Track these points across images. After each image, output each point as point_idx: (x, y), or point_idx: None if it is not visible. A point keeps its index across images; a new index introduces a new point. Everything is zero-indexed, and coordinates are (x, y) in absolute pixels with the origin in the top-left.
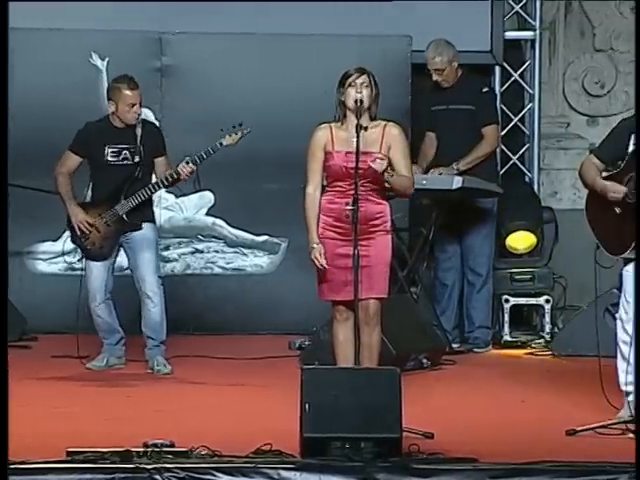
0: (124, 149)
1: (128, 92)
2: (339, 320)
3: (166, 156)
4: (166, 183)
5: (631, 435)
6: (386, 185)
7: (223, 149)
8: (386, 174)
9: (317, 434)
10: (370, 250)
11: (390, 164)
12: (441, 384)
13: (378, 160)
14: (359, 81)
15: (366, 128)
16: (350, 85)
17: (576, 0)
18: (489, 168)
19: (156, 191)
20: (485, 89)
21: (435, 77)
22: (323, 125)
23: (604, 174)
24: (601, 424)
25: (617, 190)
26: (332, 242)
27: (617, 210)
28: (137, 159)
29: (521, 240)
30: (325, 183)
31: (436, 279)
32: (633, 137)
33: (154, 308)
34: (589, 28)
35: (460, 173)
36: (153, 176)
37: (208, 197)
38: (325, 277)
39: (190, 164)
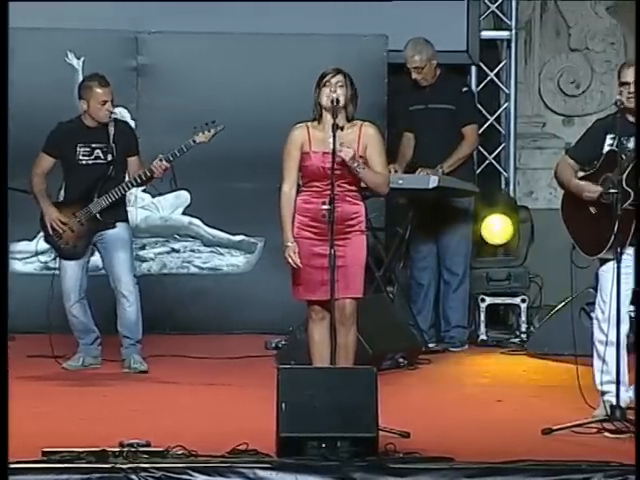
0: (96, 148)
1: (99, 90)
2: (315, 320)
3: (139, 155)
4: (139, 181)
5: (607, 434)
6: (360, 181)
7: (199, 148)
8: (356, 165)
9: (293, 434)
10: (346, 250)
11: (365, 162)
12: (417, 383)
13: (345, 149)
14: (334, 80)
15: (342, 128)
16: (325, 84)
17: (552, 0)
18: (466, 168)
19: (129, 189)
20: (465, 89)
21: (414, 75)
22: (300, 125)
23: (580, 174)
24: (577, 423)
25: (592, 190)
26: (308, 242)
27: (592, 210)
28: (110, 158)
29: (497, 234)
30: (301, 183)
31: (412, 278)
32: (608, 137)
33: (130, 307)
34: (565, 28)
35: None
36: (126, 175)
37: (184, 196)
38: (301, 277)
39: (163, 162)
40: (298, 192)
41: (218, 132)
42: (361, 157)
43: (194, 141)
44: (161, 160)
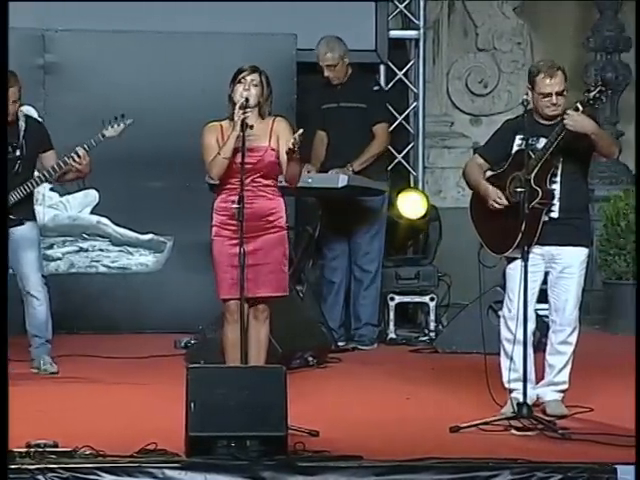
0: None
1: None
2: (229, 320)
3: (54, 150)
4: (53, 173)
5: (514, 431)
6: (278, 176)
7: (108, 147)
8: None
9: (202, 433)
10: (264, 247)
11: (277, 154)
12: (327, 382)
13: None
14: (249, 78)
15: (252, 127)
16: (240, 81)
17: (459, 0)
18: (378, 166)
19: (40, 184)
20: (376, 87)
21: (326, 73)
22: (213, 123)
23: (488, 173)
24: (484, 421)
25: (499, 203)
26: (227, 240)
27: (500, 210)
28: (18, 153)
29: (412, 208)
30: (217, 182)
31: (323, 277)
32: (517, 138)
33: (39, 307)
34: (472, 28)
35: (355, 173)
36: (36, 172)
37: (93, 195)
38: (221, 275)
39: (81, 150)
40: (215, 191)
41: (127, 126)
42: (273, 150)
43: (103, 135)
44: (77, 153)
